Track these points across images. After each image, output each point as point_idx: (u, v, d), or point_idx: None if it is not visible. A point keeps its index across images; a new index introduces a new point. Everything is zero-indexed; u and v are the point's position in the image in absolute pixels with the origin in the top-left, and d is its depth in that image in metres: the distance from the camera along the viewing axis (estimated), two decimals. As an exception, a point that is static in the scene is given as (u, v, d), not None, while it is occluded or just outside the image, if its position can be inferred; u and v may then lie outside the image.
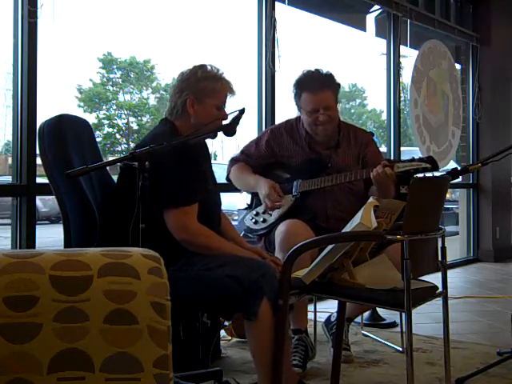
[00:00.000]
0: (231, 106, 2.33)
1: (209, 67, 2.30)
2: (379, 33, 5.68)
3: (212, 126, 2.21)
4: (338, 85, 2.86)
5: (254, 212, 2.95)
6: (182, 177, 2.13)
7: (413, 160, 2.59)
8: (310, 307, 3.05)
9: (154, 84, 23.79)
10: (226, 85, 2.30)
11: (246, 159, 2.99)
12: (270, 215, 2.88)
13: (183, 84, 2.28)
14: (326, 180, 2.78)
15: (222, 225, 2.41)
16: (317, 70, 2.82)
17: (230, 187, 3.08)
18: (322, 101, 2.78)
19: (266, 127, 4.15)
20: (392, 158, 5.33)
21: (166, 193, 2.11)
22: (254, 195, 2.99)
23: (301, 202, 2.84)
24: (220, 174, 3.23)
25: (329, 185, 2.78)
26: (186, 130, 2.25)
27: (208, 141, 2.44)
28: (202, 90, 2.25)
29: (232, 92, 2.32)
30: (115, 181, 2.38)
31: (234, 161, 3.03)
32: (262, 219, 2.91)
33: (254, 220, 2.94)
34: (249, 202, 3.04)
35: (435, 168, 2.55)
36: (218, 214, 2.41)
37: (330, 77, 2.82)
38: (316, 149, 2.92)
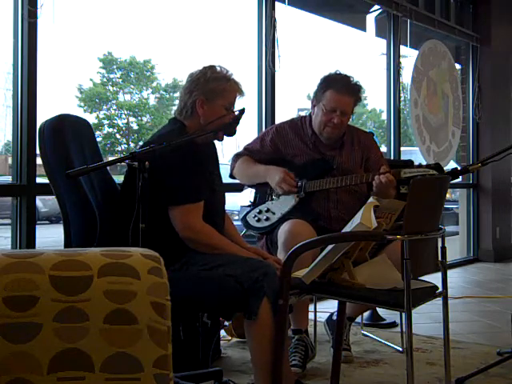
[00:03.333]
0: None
1: (218, 68, 2.31)
2: (379, 33, 5.69)
3: (216, 124, 2.21)
4: (360, 98, 2.90)
5: (257, 210, 2.95)
6: (187, 175, 2.14)
7: (420, 166, 2.60)
8: (310, 307, 3.05)
9: (154, 84, 23.76)
10: (236, 85, 2.32)
11: (250, 154, 3.00)
12: (274, 214, 2.88)
13: (193, 84, 2.29)
14: (332, 182, 2.78)
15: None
16: (348, 76, 2.86)
17: (231, 188, 3.08)
18: (343, 104, 2.81)
19: (265, 127, 4.15)
20: (392, 158, 5.33)
21: (171, 190, 2.12)
22: (258, 191, 2.99)
23: (305, 202, 2.84)
24: (221, 174, 3.22)
25: (334, 186, 2.78)
26: (194, 130, 2.25)
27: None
28: (212, 90, 2.26)
29: (241, 93, 2.33)
30: (115, 181, 2.39)
31: (237, 156, 3.03)
32: (265, 217, 2.91)
33: (256, 218, 2.94)
34: (252, 200, 3.04)
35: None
36: (223, 216, 2.42)
37: (358, 87, 2.86)
38: (321, 149, 2.92)
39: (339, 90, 2.80)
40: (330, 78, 2.87)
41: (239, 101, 2.34)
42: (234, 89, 2.31)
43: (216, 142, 2.40)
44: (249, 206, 3.04)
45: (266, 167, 2.92)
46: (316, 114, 2.89)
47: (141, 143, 2.35)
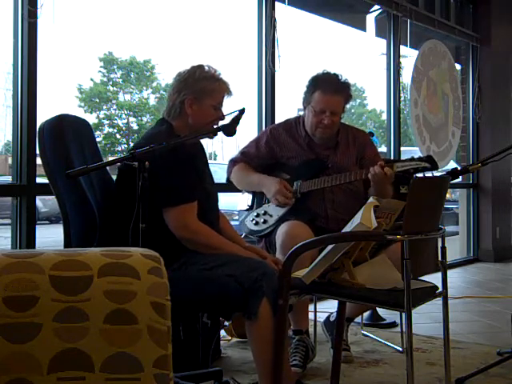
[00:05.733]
0: (231, 106, 2.34)
1: (206, 67, 2.31)
2: (379, 33, 5.69)
3: (210, 126, 2.22)
4: (351, 96, 2.89)
5: (255, 213, 2.95)
6: (179, 175, 2.14)
7: (412, 159, 2.60)
8: (310, 307, 3.05)
9: (154, 84, 23.79)
10: (224, 85, 2.32)
11: (246, 160, 2.99)
12: (271, 216, 2.88)
13: (181, 84, 2.29)
14: (326, 181, 2.78)
15: (220, 224, 2.42)
16: (335, 75, 2.85)
17: (230, 187, 3.09)
18: (331, 104, 2.80)
19: (265, 127, 4.15)
20: (392, 157, 5.33)
21: (165, 191, 2.12)
22: (256, 195, 2.99)
23: (301, 202, 2.84)
24: (220, 175, 3.23)
25: (329, 185, 2.78)
26: (182, 130, 2.27)
27: (207, 141, 2.45)
28: (201, 90, 2.27)
29: (229, 93, 2.34)
30: (115, 181, 2.39)
31: (233, 162, 3.03)
32: (262, 220, 2.91)
33: (254, 221, 2.94)
34: (250, 203, 3.04)
35: (434, 167, 2.55)
36: (217, 214, 2.42)
37: (346, 85, 2.85)
38: (315, 149, 2.92)
39: (327, 90, 2.79)
40: (318, 78, 2.86)
41: (231, 100, 2.35)
42: (223, 89, 2.32)
43: (211, 140, 2.41)
44: (246, 209, 3.04)
45: (260, 177, 2.90)
46: (307, 115, 2.89)
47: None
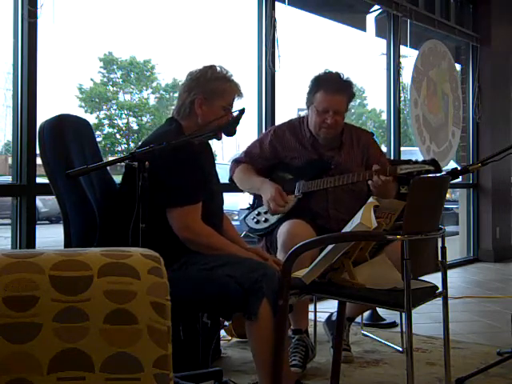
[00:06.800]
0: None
1: (218, 68, 2.31)
2: (379, 33, 5.69)
3: (214, 124, 2.21)
4: (354, 94, 2.89)
5: (256, 212, 2.95)
6: (185, 176, 2.13)
7: (416, 162, 2.60)
8: (310, 307, 3.05)
9: (154, 84, 23.77)
10: (235, 87, 2.32)
11: (250, 160, 2.99)
12: (272, 215, 2.88)
13: (192, 83, 2.29)
14: (329, 181, 2.78)
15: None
16: (337, 74, 2.85)
17: (232, 187, 3.08)
18: (334, 104, 2.80)
19: (266, 127, 4.15)
20: (392, 158, 5.32)
21: (170, 192, 2.12)
22: (257, 196, 2.99)
23: (303, 202, 2.84)
24: (221, 175, 3.24)
25: (331, 186, 2.78)
26: (191, 130, 2.25)
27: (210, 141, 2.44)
28: (212, 90, 2.26)
29: (240, 94, 2.33)
30: (115, 181, 2.39)
31: (237, 162, 3.02)
32: (263, 219, 2.91)
33: (255, 220, 2.94)
34: (251, 202, 3.04)
35: (438, 170, 2.55)
36: (221, 215, 2.41)
37: (348, 83, 2.85)
38: (319, 150, 2.92)
39: (329, 90, 2.79)
40: (320, 78, 2.86)
41: (239, 101, 2.34)
42: (234, 90, 2.31)
43: (215, 141, 2.41)
44: (248, 208, 3.04)
45: (261, 181, 2.89)
46: (310, 115, 2.89)
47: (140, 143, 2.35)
